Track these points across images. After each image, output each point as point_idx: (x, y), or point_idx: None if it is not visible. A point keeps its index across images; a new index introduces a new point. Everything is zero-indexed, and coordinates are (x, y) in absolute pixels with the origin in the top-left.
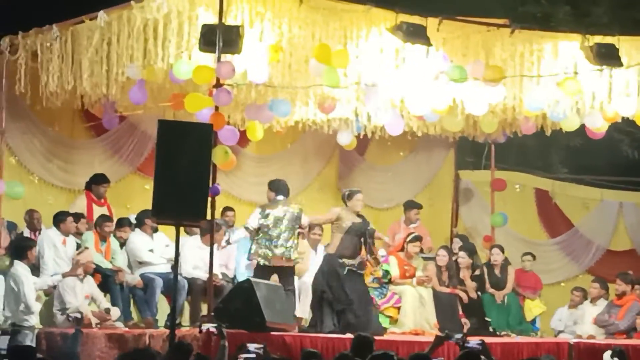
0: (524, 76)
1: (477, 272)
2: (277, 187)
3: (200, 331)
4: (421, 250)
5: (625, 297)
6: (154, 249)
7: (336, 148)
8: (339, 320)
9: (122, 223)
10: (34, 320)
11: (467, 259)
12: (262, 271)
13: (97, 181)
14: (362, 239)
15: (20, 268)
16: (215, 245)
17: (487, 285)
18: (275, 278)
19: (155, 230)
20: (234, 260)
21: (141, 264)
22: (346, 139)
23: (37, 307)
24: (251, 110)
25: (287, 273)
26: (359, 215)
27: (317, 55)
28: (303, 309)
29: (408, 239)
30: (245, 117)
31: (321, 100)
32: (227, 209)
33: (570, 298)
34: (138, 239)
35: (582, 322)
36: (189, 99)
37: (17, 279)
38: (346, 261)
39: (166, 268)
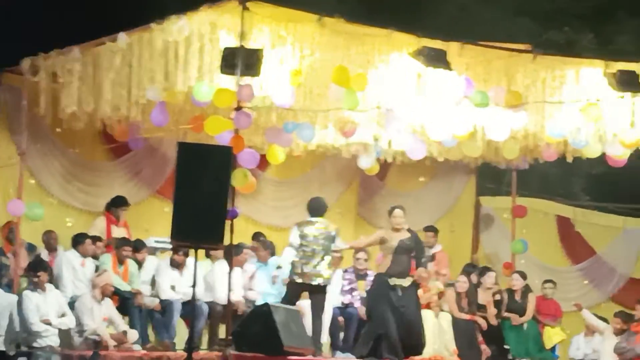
0: (546, 102)
1: (497, 297)
2: (310, 207)
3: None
4: None
5: None
6: (176, 286)
7: (357, 173)
8: (375, 346)
9: (139, 246)
10: (46, 342)
11: (494, 284)
12: (295, 288)
13: (118, 203)
14: (412, 256)
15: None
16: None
17: (503, 311)
18: (306, 295)
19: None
20: (259, 282)
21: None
22: (367, 163)
23: (40, 327)
24: (272, 133)
25: (318, 292)
26: (409, 231)
27: (335, 77)
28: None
29: None
30: (266, 140)
31: (342, 125)
32: (260, 234)
33: (585, 325)
34: (164, 272)
35: (604, 351)
36: (209, 121)
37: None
38: (396, 280)
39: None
